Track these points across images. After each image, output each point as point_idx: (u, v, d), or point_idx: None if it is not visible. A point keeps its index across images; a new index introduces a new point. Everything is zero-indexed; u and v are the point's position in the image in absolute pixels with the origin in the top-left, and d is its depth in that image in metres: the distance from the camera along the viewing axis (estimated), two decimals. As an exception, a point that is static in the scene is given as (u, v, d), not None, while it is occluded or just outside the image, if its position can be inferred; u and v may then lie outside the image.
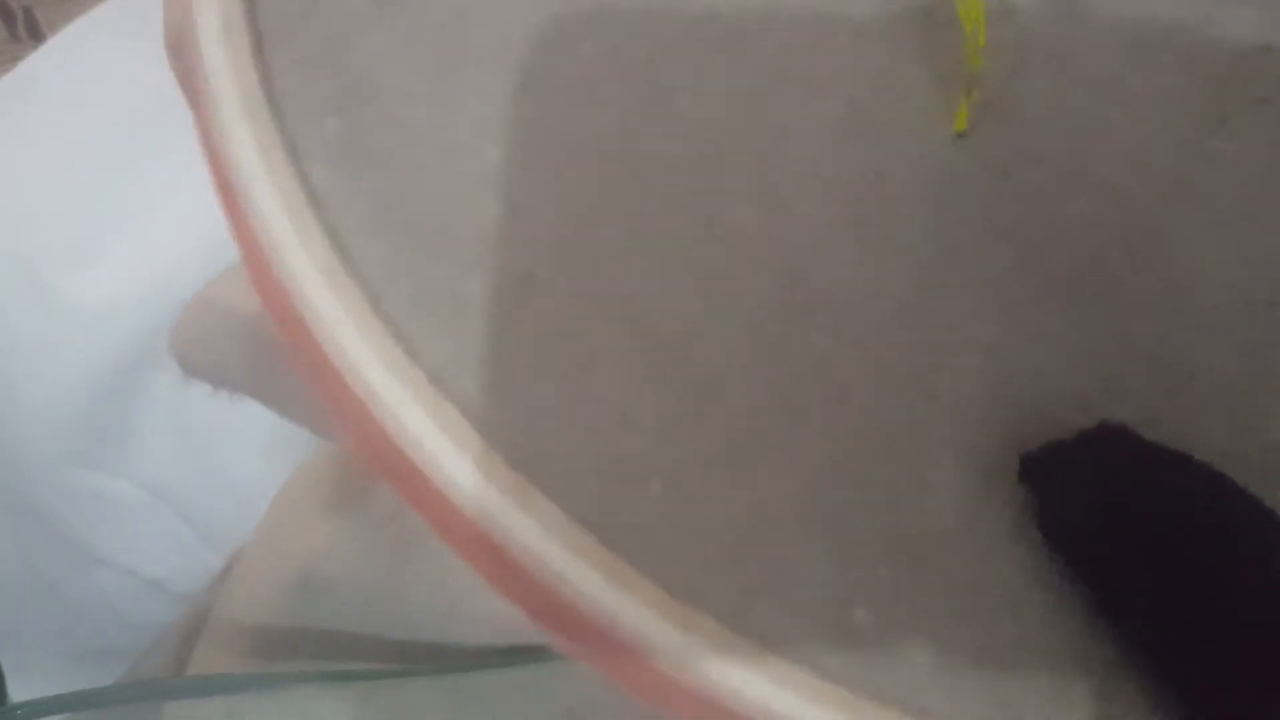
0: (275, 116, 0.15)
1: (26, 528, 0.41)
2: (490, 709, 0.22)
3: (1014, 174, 0.16)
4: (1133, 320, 0.15)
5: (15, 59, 0.43)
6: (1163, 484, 0.14)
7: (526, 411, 0.14)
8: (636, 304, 0.15)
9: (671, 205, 0.15)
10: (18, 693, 0.43)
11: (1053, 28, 0.17)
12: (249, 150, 0.15)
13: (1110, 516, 0.13)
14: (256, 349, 0.17)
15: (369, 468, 0.14)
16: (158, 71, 0.41)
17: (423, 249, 0.14)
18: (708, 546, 0.13)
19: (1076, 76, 0.17)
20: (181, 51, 0.16)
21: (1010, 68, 0.17)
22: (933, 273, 0.15)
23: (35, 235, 0.38)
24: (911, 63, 0.17)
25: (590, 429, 0.14)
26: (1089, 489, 0.14)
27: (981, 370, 0.15)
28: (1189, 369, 0.15)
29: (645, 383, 0.14)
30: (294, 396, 0.17)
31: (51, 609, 0.42)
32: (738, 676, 0.12)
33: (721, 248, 0.15)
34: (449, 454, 0.13)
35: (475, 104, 0.15)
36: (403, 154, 0.15)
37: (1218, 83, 0.17)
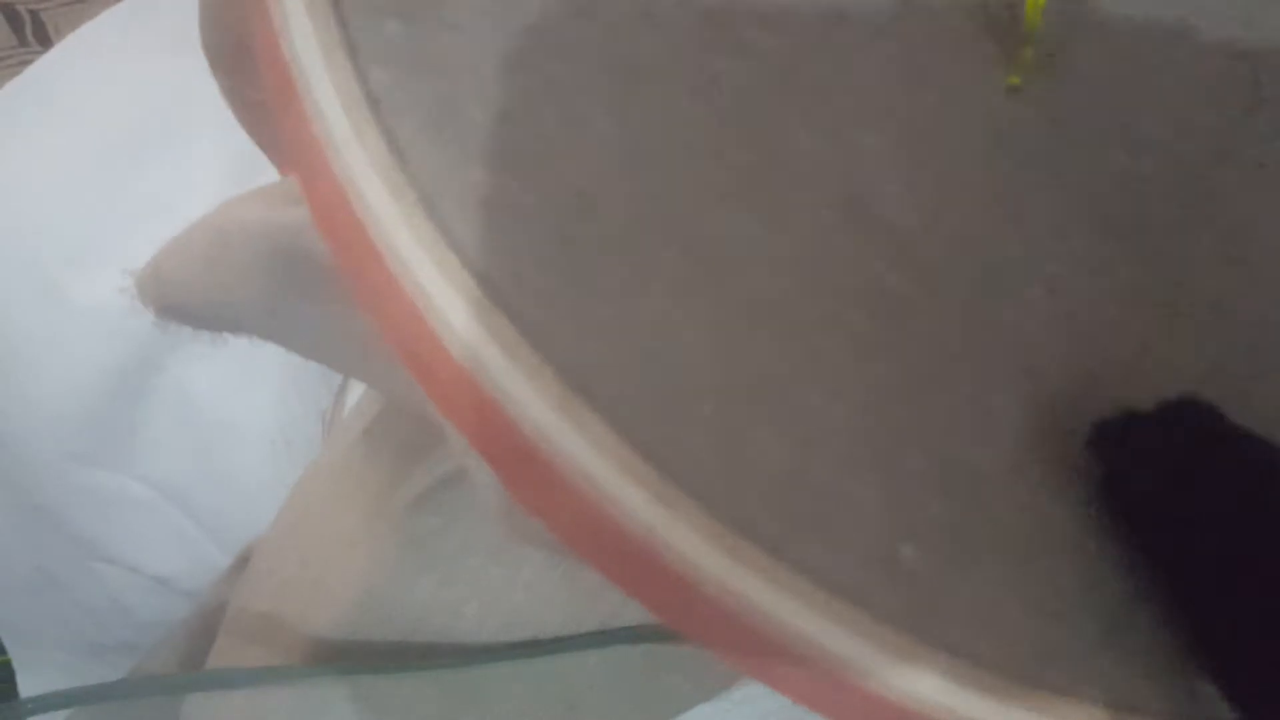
0: (337, 17, 0.15)
1: (34, 526, 0.41)
2: (497, 702, 0.23)
3: (1069, 127, 0.16)
4: (1191, 268, 0.15)
5: (23, 64, 0.43)
6: (1239, 466, 0.13)
7: (579, 328, 0.13)
8: (694, 225, 0.14)
9: (733, 129, 0.15)
10: (26, 688, 0.44)
11: None
12: (311, 50, 0.14)
13: (1183, 494, 0.13)
14: (289, 269, 0.17)
15: (413, 379, 0.14)
16: (164, 76, 0.41)
17: (479, 157, 0.14)
18: (758, 473, 0.13)
19: (1128, 43, 0.17)
20: None
21: (1064, 27, 0.17)
22: (992, 211, 0.15)
23: (43, 237, 0.39)
24: (965, 16, 0.17)
25: (643, 348, 0.13)
26: (1165, 464, 0.13)
27: (1044, 303, 0.15)
28: (1248, 319, 0.15)
29: (699, 304, 0.14)
30: (307, 325, 0.17)
31: (59, 606, 0.42)
32: (781, 607, 0.12)
33: (782, 173, 0.15)
34: (499, 361, 0.13)
35: (538, 18, 0.15)
36: (462, 60, 0.15)
37: (1255, 60, 0.17)
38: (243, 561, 0.33)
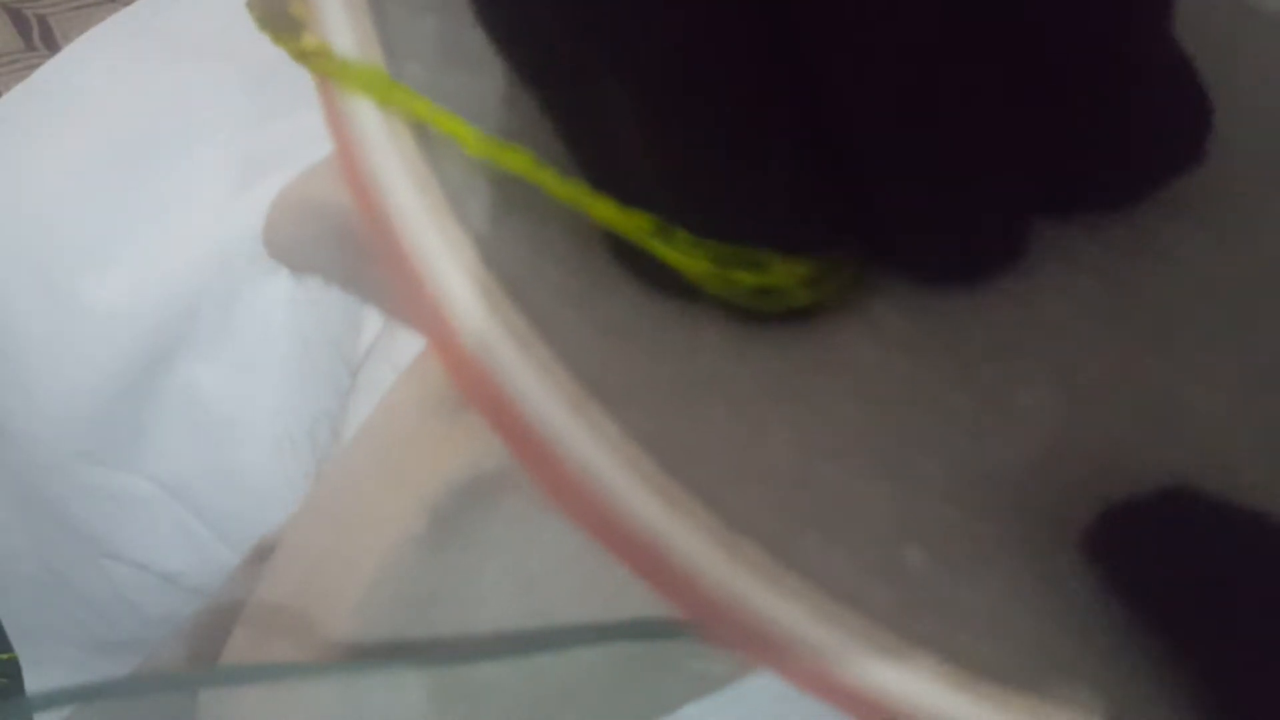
0: (376, 13, 0.15)
1: (42, 523, 0.42)
2: (491, 696, 0.23)
3: None
4: (1264, 246, 0.14)
5: (30, 68, 0.44)
6: (1241, 547, 0.13)
7: (597, 326, 0.13)
8: None
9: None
10: (33, 684, 0.44)
11: None
12: (348, 47, 0.14)
13: (1187, 583, 0.13)
14: (347, 244, 0.17)
15: (442, 370, 0.14)
16: (171, 80, 0.42)
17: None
18: (765, 471, 0.13)
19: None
20: None
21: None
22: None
23: (51, 239, 0.39)
24: None
25: (659, 345, 0.13)
26: (1165, 558, 0.13)
27: (1092, 291, 0.14)
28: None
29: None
30: (387, 290, 0.17)
31: (66, 603, 0.42)
32: (778, 606, 0.12)
33: None
34: (517, 363, 0.13)
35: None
36: (493, 60, 0.15)
37: None
38: (252, 558, 0.33)
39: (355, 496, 0.25)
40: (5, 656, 0.45)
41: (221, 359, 0.38)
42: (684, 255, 0.13)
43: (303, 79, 0.15)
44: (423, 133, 0.14)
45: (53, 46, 0.52)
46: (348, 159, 0.14)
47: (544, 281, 0.14)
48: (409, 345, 0.34)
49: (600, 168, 0.14)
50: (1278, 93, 0.16)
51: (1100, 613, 0.13)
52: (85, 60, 0.42)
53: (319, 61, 0.14)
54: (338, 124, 0.14)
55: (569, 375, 0.13)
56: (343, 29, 0.14)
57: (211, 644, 0.29)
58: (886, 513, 0.13)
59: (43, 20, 0.52)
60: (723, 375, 0.13)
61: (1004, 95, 0.13)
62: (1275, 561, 0.13)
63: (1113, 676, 0.12)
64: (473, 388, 0.13)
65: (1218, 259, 0.14)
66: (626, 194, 0.13)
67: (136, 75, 0.41)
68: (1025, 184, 0.13)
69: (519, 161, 0.14)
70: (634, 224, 0.13)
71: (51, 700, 0.24)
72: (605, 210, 0.14)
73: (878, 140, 0.13)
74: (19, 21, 0.52)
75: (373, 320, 0.39)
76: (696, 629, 0.13)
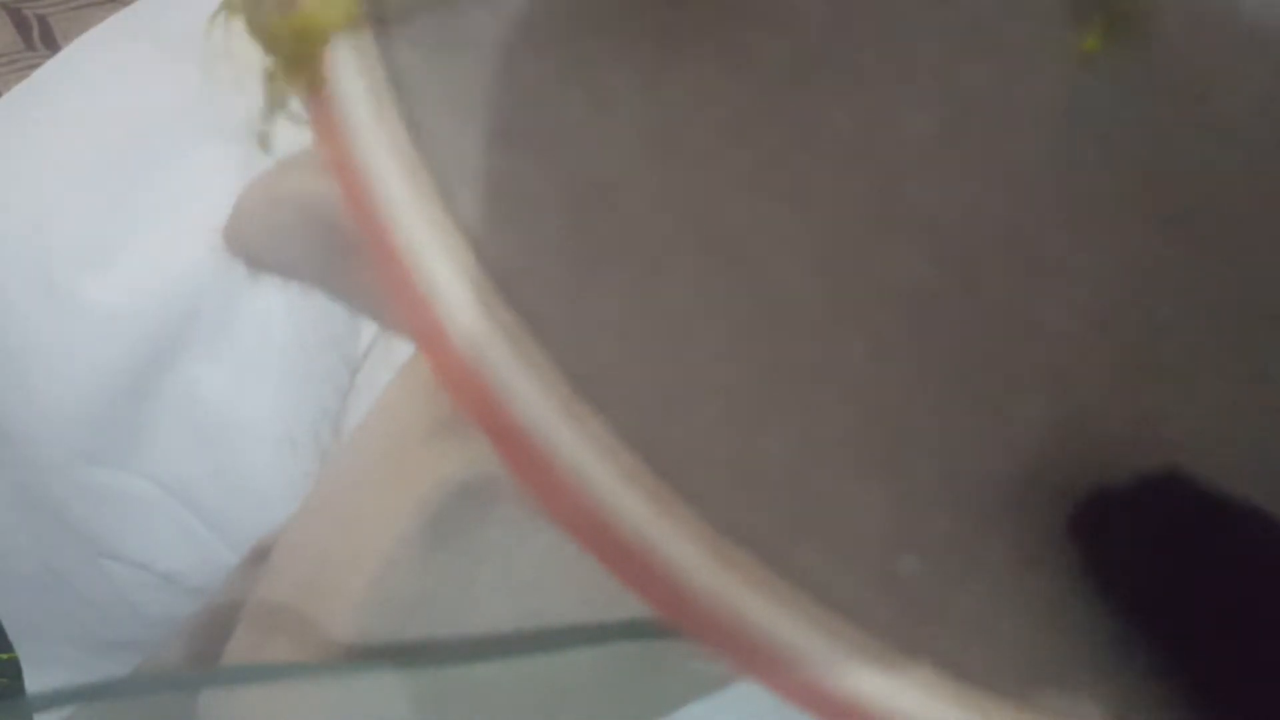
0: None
1: (41, 523, 0.42)
2: (484, 698, 0.23)
3: (1142, 104, 0.15)
4: (1254, 268, 0.14)
5: (30, 68, 0.44)
6: (1230, 539, 0.13)
7: (590, 325, 0.13)
8: (716, 214, 0.14)
9: (764, 110, 0.14)
10: (33, 683, 0.44)
11: None
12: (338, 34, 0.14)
13: (1175, 572, 0.13)
14: (329, 238, 0.17)
15: (428, 368, 0.14)
16: (170, 80, 0.42)
17: (502, 143, 0.14)
18: (759, 477, 0.13)
19: (1220, 14, 0.15)
20: None
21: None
22: (1043, 199, 0.14)
23: (50, 239, 0.39)
24: None
25: (653, 346, 0.13)
26: (1151, 546, 0.13)
27: (1088, 305, 0.14)
28: None
29: (714, 297, 0.13)
30: (366, 288, 0.17)
31: (66, 603, 0.42)
32: (769, 615, 0.12)
33: (815, 159, 0.14)
34: (504, 358, 0.13)
35: None
36: (493, 42, 0.14)
37: None
38: (251, 558, 0.33)
39: (350, 499, 0.25)
40: (5, 656, 0.45)
41: (222, 359, 0.38)
42: None
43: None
44: (413, 120, 0.14)
45: (53, 46, 0.52)
46: (332, 147, 0.14)
47: (536, 276, 0.13)
48: (409, 345, 0.34)
49: None
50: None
51: (1096, 619, 0.13)
52: (85, 60, 0.42)
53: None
54: (321, 110, 0.14)
55: (560, 374, 0.13)
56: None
57: (211, 644, 0.29)
58: (881, 519, 0.13)
59: (43, 20, 0.52)
60: (719, 373, 0.13)
61: None
62: (1260, 548, 0.13)
63: (1109, 686, 0.12)
64: (459, 384, 0.13)
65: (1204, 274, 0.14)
66: None
67: (136, 75, 0.41)
68: None
69: None
70: None
71: (51, 700, 0.24)
72: None
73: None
74: (19, 21, 0.52)
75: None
76: (687, 636, 0.13)
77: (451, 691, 0.23)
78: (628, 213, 0.14)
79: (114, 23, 0.43)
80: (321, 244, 0.17)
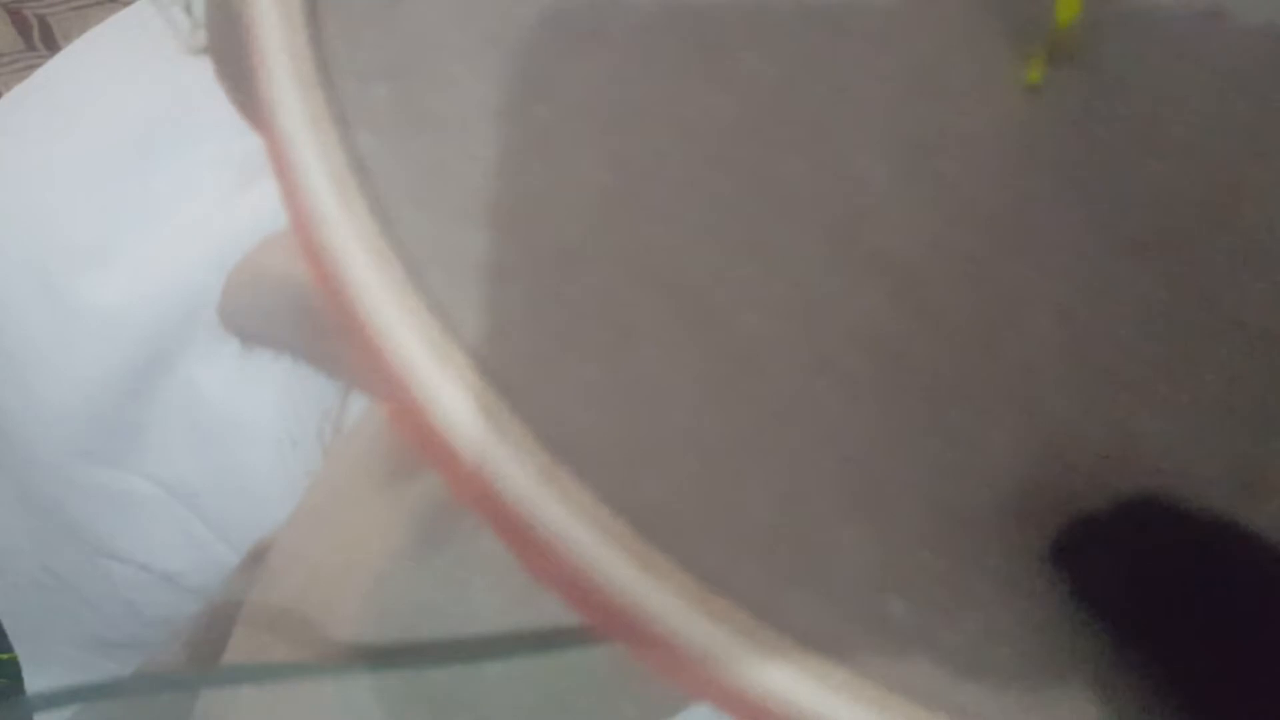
0: (325, 84, 0.15)
1: (41, 523, 0.42)
2: (486, 700, 0.23)
3: (1088, 130, 0.15)
4: (1211, 280, 0.15)
5: (30, 68, 0.44)
6: (1210, 558, 0.13)
7: (566, 393, 0.13)
8: (681, 272, 0.14)
9: (721, 165, 0.15)
10: (33, 683, 0.44)
11: None
12: (296, 120, 0.14)
13: (1156, 595, 0.13)
14: (308, 317, 0.17)
15: (407, 443, 0.14)
16: (170, 80, 0.42)
17: (467, 218, 0.14)
18: (742, 530, 0.13)
19: (1157, 35, 0.16)
20: (228, 12, 0.16)
21: (1088, 21, 0.16)
22: (999, 231, 0.15)
23: (50, 239, 0.39)
24: (985, 12, 0.16)
25: (630, 407, 0.13)
26: (1130, 569, 0.13)
27: (1052, 332, 0.14)
28: (1272, 329, 0.14)
29: (686, 355, 0.14)
30: (348, 365, 0.18)
31: (66, 603, 0.43)
32: (763, 670, 0.12)
33: (777, 210, 0.14)
34: (482, 432, 0.13)
35: (527, 63, 0.15)
36: (451, 119, 0.15)
37: None
38: (250, 558, 0.33)
39: (340, 509, 0.25)
40: (5, 656, 0.45)
41: (222, 359, 0.38)
42: None
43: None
44: (378, 205, 0.14)
45: (53, 46, 0.53)
46: (302, 232, 0.14)
47: (509, 348, 0.13)
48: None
49: None
50: None
51: (1086, 645, 0.13)
52: (85, 60, 0.42)
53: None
54: (291, 195, 0.14)
55: (537, 443, 0.13)
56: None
57: (211, 644, 0.29)
58: (866, 560, 0.13)
59: (43, 20, 0.52)
60: (695, 428, 0.13)
61: None
62: (1238, 566, 0.13)
63: (1103, 710, 0.12)
64: (440, 459, 0.13)
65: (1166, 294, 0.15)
66: None
67: (136, 75, 0.41)
68: None
69: None
70: None
71: (51, 700, 0.24)
72: None
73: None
74: (19, 21, 0.52)
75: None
76: (683, 690, 0.13)
77: (451, 692, 0.23)
78: (595, 277, 0.14)
79: (114, 22, 0.43)
80: (302, 323, 0.17)
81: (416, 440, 0.14)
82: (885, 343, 0.14)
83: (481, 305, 0.14)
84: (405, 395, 0.13)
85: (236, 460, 0.39)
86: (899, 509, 0.13)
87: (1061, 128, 0.15)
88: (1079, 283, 0.14)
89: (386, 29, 0.15)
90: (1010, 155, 0.15)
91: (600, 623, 0.13)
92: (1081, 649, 0.13)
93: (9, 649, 0.45)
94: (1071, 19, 0.16)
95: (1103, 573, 0.13)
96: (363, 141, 0.14)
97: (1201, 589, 0.13)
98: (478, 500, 0.13)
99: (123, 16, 0.43)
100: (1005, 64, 0.16)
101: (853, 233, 0.15)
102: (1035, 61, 0.16)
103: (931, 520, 0.13)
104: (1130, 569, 0.13)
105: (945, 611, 0.13)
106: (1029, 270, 0.14)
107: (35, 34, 0.52)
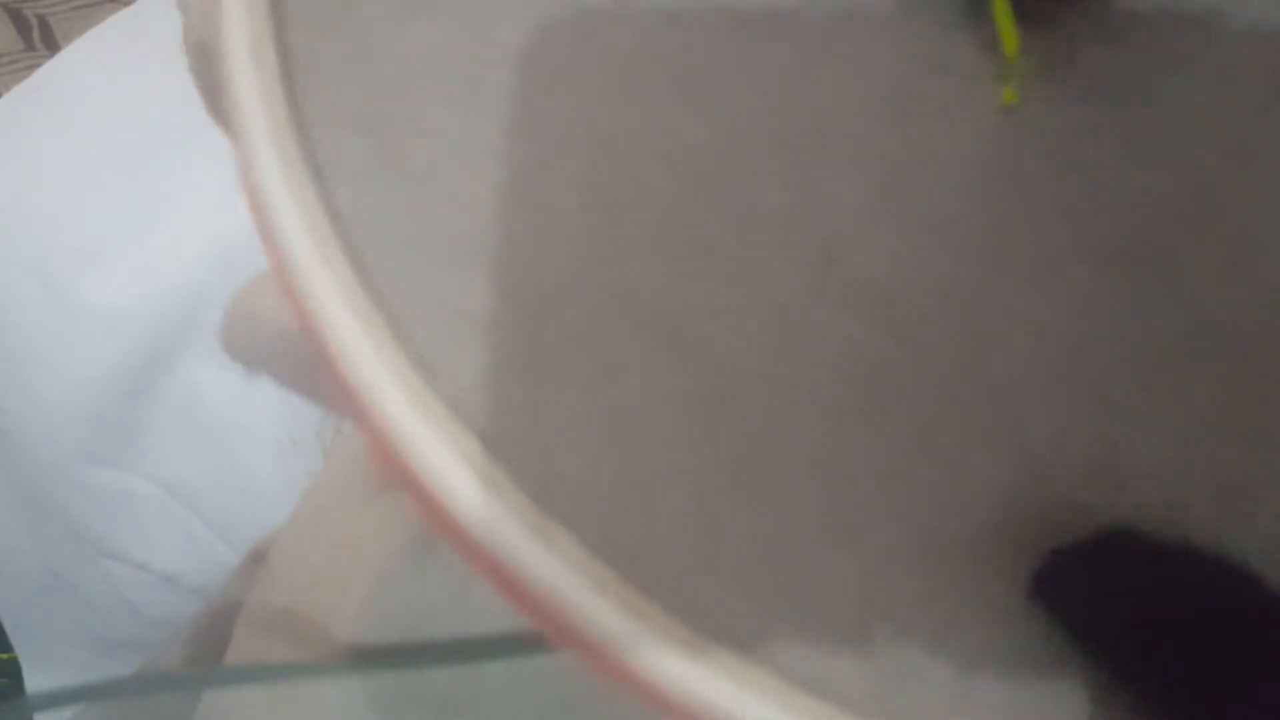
0: (301, 139, 0.15)
1: (42, 523, 0.42)
2: (489, 705, 0.23)
3: (1066, 146, 0.15)
4: (1194, 290, 0.15)
5: (30, 68, 0.44)
6: (1184, 587, 0.13)
7: (548, 438, 0.13)
8: (661, 306, 0.14)
9: (699, 197, 0.15)
10: (34, 684, 0.44)
11: None
12: (273, 175, 0.14)
13: (1135, 624, 0.13)
14: (298, 356, 0.17)
15: (393, 484, 0.14)
16: (171, 80, 0.42)
17: (445, 266, 0.14)
18: (726, 564, 0.13)
19: (1135, 44, 0.16)
20: (204, 63, 0.16)
21: (1064, 37, 0.16)
22: (978, 252, 0.15)
23: (51, 238, 0.39)
24: (958, 33, 0.16)
25: (612, 447, 0.13)
26: (1108, 599, 0.13)
27: (1031, 350, 0.14)
28: (1257, 339, 0.14)
29: (666, 389, 0.14)
30: (338, 402, 0.18)
31: (66, 603, 0.43)
32: (750, 705, 0.12)
33: (748, 238, 0.15)
34: (468, 485, 0.13)
35: (505, 106, 0.15)
36: (428, 168, 0.15)
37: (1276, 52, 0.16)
38: (250, 559, 0.33)
39: (338, 513, 0.25)
40: (5, 656, 0.45)
41: (222, 360, 0.38)
42: None
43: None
44: (355, 255, 0.14)
45: (53, 46, 0.53)
46: (284, 285, 0.14)
47: (491, 395, 0.13)
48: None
49: None
50: None
51: (1071, 671, 0.13)
52: (85, 60, 0.42)
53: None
54: (269, 242, 0.14)
55: (523, 494, 0.13)
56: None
57: (211, 644, 0.29)
58: (852, 590, 0.13)
59: (43, 20, 0.52)
60: (679, 465, 0.13)
61: None
62: (1214, 595, 0.13)
63: None
64: (430, 511, 0.13)
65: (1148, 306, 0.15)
66: None
67: (136, 75, 0.41)
68: None
69: None
70: None
71: (52, 700, 0.24)
72: None
73: None
74: (19, 21, 0.52)
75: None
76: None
77: (451, 693, 0.23)
78: (575, 318, 0.14)
79: (114, 22, 0.43)
80: (297, 360, 0.17)
81: (400, 486, 0.14)
82: (866, 369, 0.14)
83: (461, 353, 0.14)
84: (385, 444, 0.13)
85: (236, 460, 0.39)
86: (883, 535, 0.13)
87: (1040, 144, 0.15)
88: (1060, 302, 0.14)
89: (364, 81, 0.15)
90: (988, 175, 0.15)
91: (592, 665, 0.13)
92: (1066, 674, 0.13)
93: (9, 649, 0.45)
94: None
95: (1084, 601, 0.13)
96: (340, 194, 0.14)
97: (1184, 617, 0.13)
98: (459, 545, 0.13)
99: (123, 16, 0.43)
100: (981, 85, 0.16)
101: (832, 259, 0.15)
102: (1010, 81, 0.16)
103: (916, 546, 0.13)
104: (1111, 597, 0.13)
105: (933, 640, 0.13)
106: (1009, 291, 0.14)
107: (35, 34, 0.53)
